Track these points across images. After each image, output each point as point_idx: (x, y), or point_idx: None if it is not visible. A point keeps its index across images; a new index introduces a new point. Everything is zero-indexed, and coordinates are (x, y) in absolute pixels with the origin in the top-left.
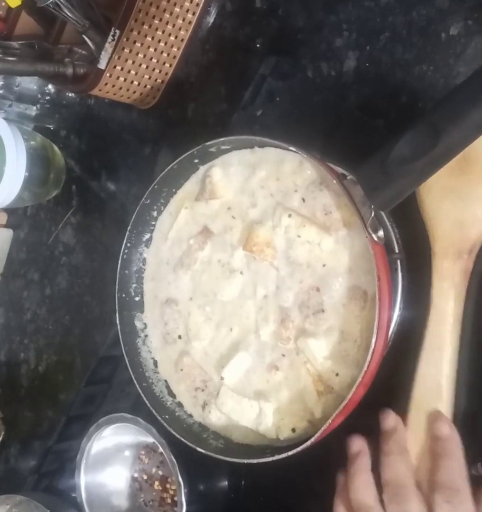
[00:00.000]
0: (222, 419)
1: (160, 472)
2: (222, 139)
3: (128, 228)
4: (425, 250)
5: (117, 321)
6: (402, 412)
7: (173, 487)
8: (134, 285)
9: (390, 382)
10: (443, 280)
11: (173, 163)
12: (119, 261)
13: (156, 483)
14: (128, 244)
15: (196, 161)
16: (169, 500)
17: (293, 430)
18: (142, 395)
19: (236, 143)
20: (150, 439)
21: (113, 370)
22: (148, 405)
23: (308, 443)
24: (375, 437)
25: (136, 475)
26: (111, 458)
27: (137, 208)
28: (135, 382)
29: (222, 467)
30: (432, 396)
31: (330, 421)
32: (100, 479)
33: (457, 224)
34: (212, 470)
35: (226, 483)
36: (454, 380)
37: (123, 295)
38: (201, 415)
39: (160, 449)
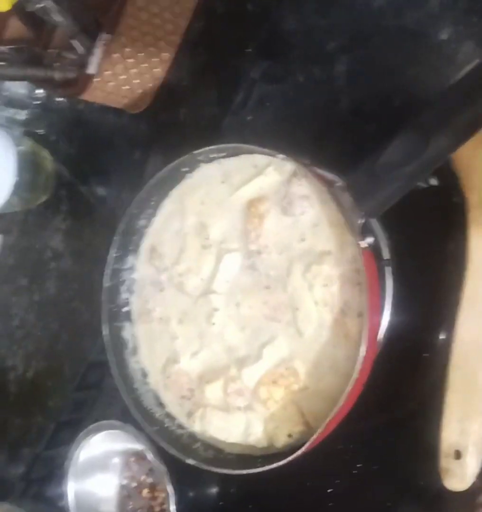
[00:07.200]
0: (209, 434)
1: (149, 480)
2: (210, 147)
3: (116, 237)
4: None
5: (104, 333)
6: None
7: (162, 495)
8: (122, 296)
9: (384, 386)
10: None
11: (160, 172)
12: (108, 272)
13: (145, 490)
14: (116, 254)
15: (184, 169)
16: (158, 508)
17: (289, 435)
18: (131, 407)
19: (225, 151)
20: (139, 446)
21: (102, 376)
22: (137, 417)
23: (299, 452)
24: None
25: (125, 482)
26: (100, 465)
27: (124, 217)
28: (123, 394)
29: (212, 474)
30: (473, 355)
31: (320, 430)
32: (89, 486)
33: None
34: (201, 478)
35: (216, 490)
36: None
37: (111, 306)
38: (187, 423)
39: (150, 457)
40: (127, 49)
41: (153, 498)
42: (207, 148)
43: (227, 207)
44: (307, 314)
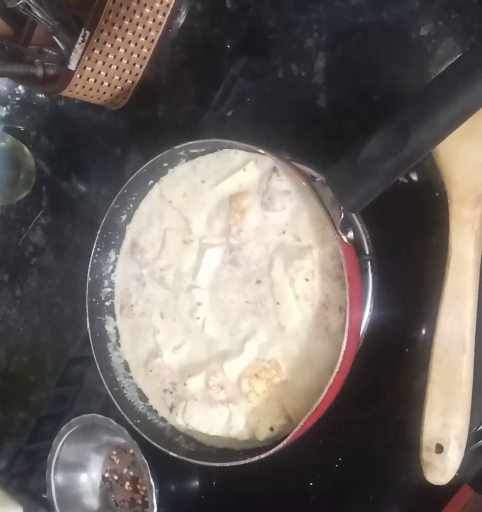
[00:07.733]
0: (191, 427)
1: (131, 473)
2: (191, 142)
3: (98, 232)
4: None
5: (88, 327)
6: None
7: (144, 488)
8: (104, 290)
9: (365, 381)
10: (463, 228)
11: (142, 167)
12: (89, 266)
13: (127, 483)
14: (98, 249)
15: (165, 164)
16: (139, 501)
17: (271, 429)
18: (114, 400)
19: (205, 146)
20: (121, 440)
21: (83, 371)
22: (120, 409)
23: (280, 445)
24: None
25: (107, 475)
26: (83, 458)
27: (107, 212)
28: (106, 387)
29: (194, 468)
30: (454, 350)
31: (302, 423)
32: (71, 479)
33: (476, 168)
34: (183, 471)
35: (197, 483)
36: (475, 332)
37: (94, 300)
38: (170, 417)
39: (132, 450)
40: (107, 46)
41: (135, 491)
42: (187, 143)
43: (208, 202)
44: (288, 308)
